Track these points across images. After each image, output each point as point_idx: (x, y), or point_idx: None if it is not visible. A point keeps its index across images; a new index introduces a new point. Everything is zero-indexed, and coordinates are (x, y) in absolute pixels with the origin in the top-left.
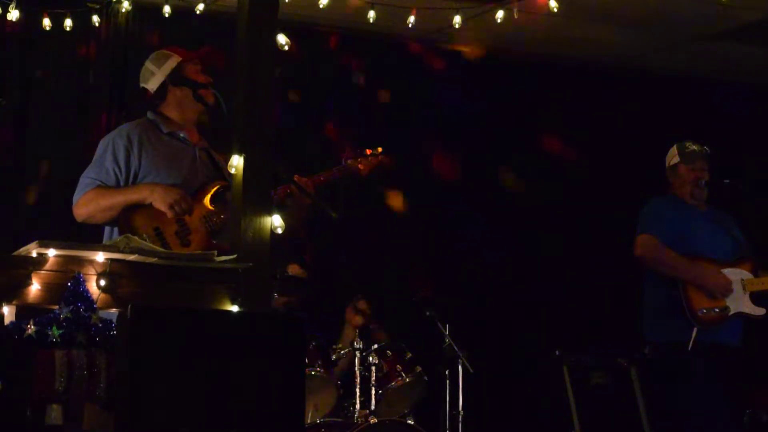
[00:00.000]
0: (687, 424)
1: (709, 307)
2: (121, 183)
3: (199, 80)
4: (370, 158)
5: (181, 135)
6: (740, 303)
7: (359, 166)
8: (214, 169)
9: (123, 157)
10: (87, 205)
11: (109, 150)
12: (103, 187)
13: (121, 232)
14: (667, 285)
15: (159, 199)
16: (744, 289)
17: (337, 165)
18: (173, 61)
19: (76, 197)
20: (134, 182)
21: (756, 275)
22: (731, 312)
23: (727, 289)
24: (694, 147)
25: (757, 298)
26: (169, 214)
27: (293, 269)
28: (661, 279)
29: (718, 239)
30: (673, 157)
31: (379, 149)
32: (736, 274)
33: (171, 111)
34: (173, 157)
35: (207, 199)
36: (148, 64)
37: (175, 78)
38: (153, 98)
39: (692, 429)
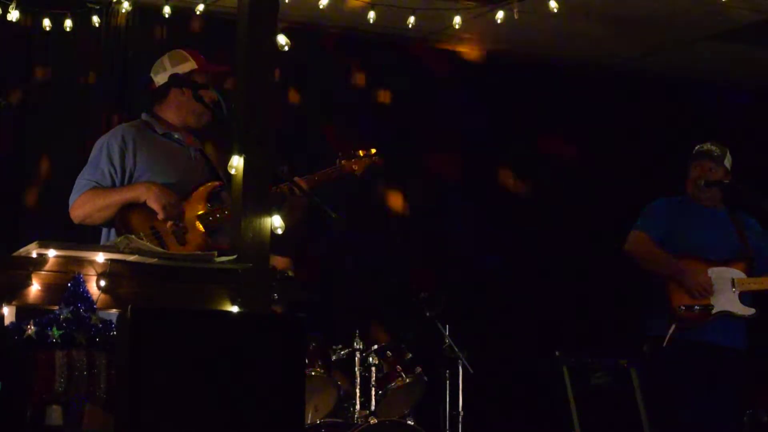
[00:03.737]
0: (679, 422)
1: (690, 305)
2: (117, 184)
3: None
4: (363, 158)
5: (176, 136)
6: (726, 302)
7: (353, 166)
8: (209, 170)
9: (118, 158)
10: (84, 206)
11: (104, 151)
12: (98, 187)
13: (118, 233)
14: (659, 282)
15: (153, 198)
16: (734, 288)
17: (332, 166)
18: (187, 66)
19: (73, 199)
20: (130, 182)
21: (750, 275)
22: (715, 310)
23: (705, 289)
24: (704, 147)
25: (754, 298)
26: (160, 214)
27: (274, 261)
28: (656, 276)
29: (718, 239)
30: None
31: (373, 150)
32: (725, 273)
33: (169, 112)
34: (168, 156)
35: (203, 198)
36: (165, 60)
37: (180, 80)
38: (155, 93)
39: (685, 428)
